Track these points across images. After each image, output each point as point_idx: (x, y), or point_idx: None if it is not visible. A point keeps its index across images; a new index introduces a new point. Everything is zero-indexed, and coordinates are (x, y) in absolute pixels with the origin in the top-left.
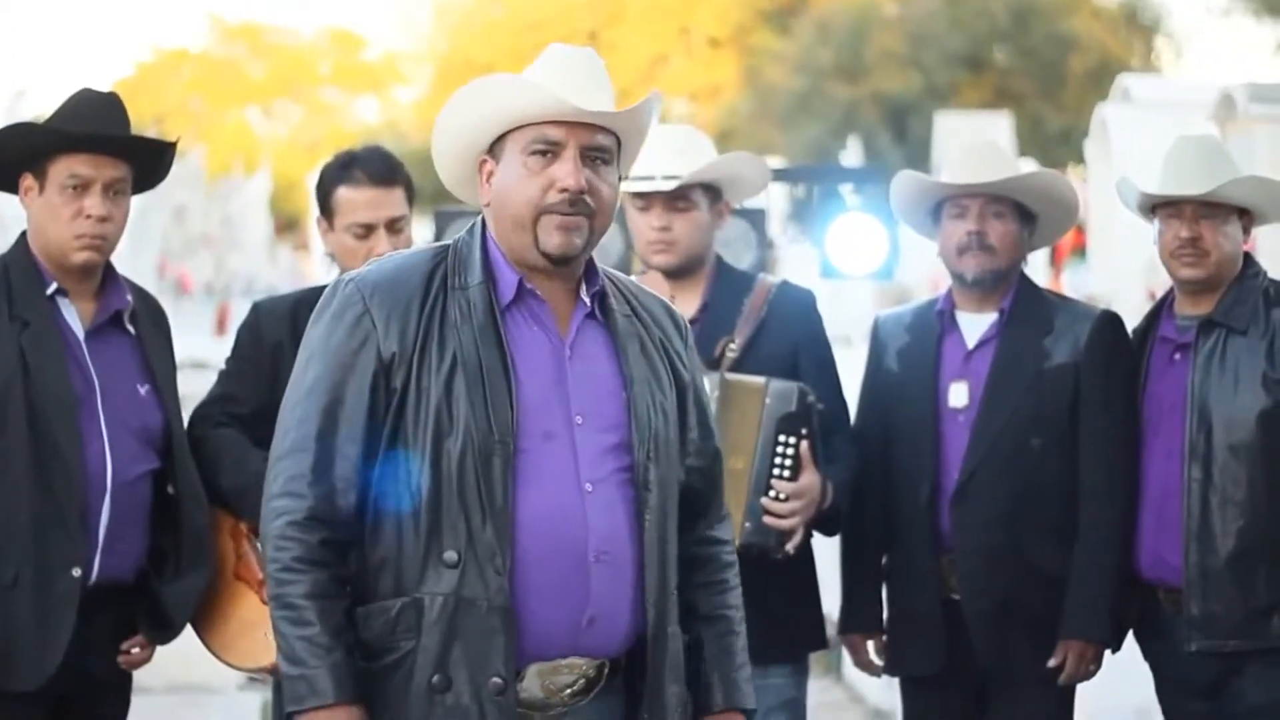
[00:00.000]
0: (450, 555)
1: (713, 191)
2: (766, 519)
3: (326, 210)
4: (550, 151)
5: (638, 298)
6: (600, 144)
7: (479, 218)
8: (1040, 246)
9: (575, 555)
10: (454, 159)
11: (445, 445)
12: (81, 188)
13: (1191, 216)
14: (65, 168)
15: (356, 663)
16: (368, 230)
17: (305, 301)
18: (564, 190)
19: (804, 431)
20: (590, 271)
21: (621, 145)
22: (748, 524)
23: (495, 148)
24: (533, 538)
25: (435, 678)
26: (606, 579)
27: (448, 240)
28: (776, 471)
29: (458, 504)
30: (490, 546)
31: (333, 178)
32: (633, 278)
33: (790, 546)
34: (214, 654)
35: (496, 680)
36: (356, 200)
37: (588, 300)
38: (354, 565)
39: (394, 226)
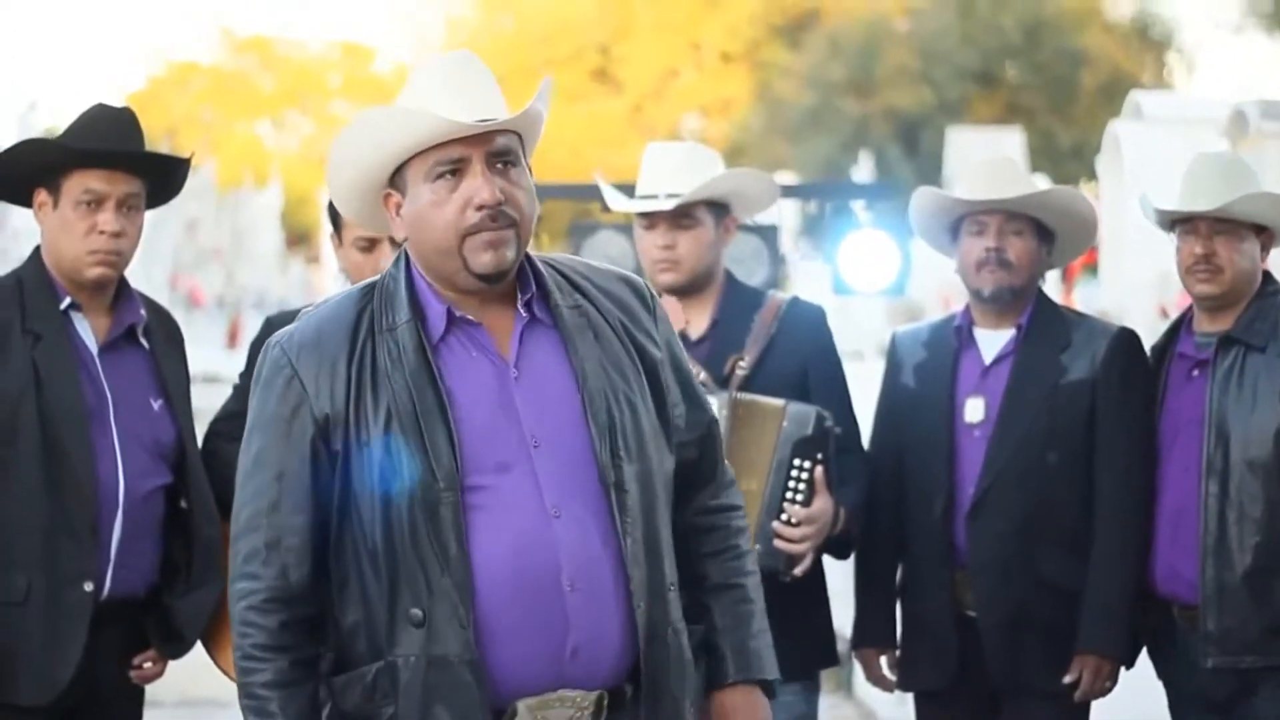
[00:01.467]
0: (415, 613)
1: (718, 208)
2: (777, 542)
3: (336, 225)
4: (456, 170)
5: (591, 280)
6: (504, 147)
7: (402, 251)
8: (1059, 265)
9: (547, 587)
10: (356, 197)
11: (393, 500)
12: (96, 203)
13: (1206, 233)
14: (80, 183)
15: None
16: (371, 243)
17: None
18: (481, 206)
19: (819, 456)
20: (522, 278)
21: (524, 139)
22: (758, 546)
23: (396, 179)
24: (496, 578)
25: None
26: (585, 606)
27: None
28: (789, 495)
29: (414, 559)
30: (451, 599)
31: None
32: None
33: (799, 570)
34: (225, 673)
35: None
36: None
37: (523, 310)
38: (332, 634)
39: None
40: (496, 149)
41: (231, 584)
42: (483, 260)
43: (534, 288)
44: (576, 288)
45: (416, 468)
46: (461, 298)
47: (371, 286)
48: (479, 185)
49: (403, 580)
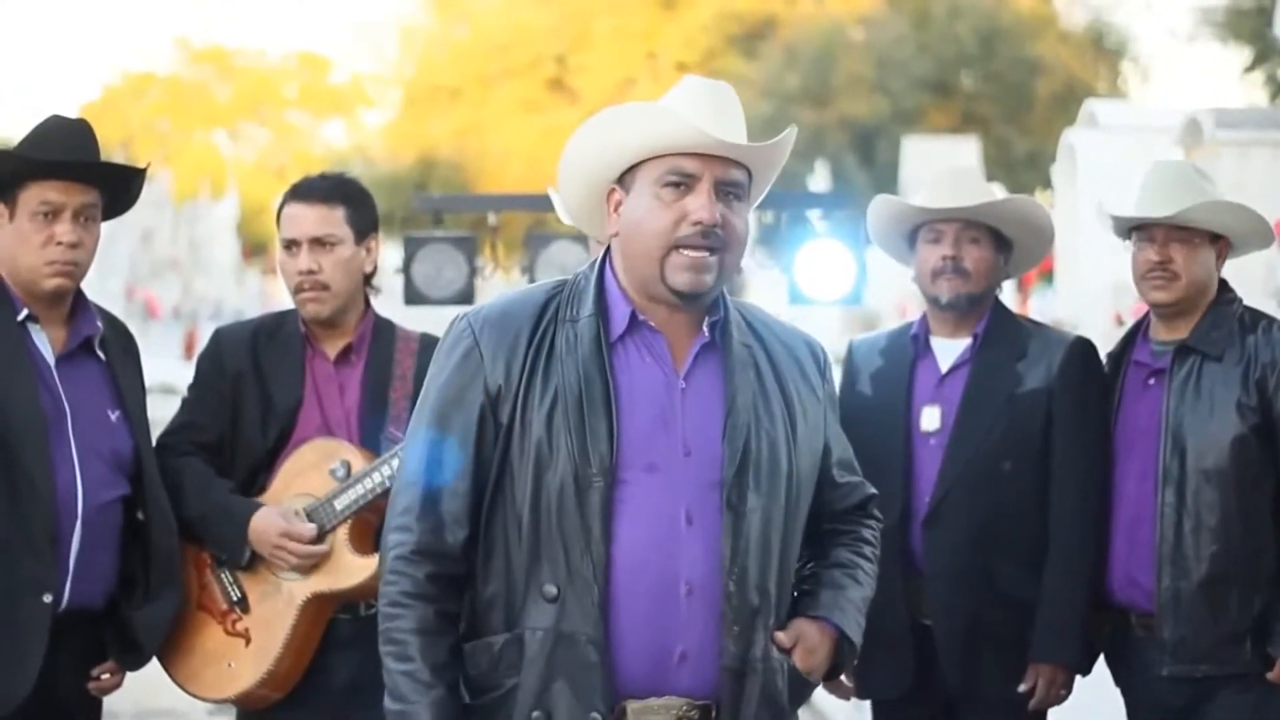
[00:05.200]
0: (550, 589)
1: None
2: None
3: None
4: (684, 183)
5: (772, 330)
6: (734, 178)
7: (603, 251)
8: (1016, 275)
9: (667, 589)
10: (582, 186)
11: (545, 478)
12: (52, 214)
13: (1163, 240)
14: (36, 195)
15: (462, 700)
16: (291, 244)
17: (265, 328)
18: (697, 222)
19: None
20: (713, 304)
21: (752, 179)
22: None
23: (625, 178)
24: (627, 571)
25: (535, 713)
26: (697, 614)
27: (566, 276)
28: None
29: (557, 537)
30: (587, 580)
31: (282, 200)
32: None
33: None
34: (179, 685)
35: (595, 716)
36: (289, 216)
37: (706, 331)
38: (468, 601)
39: (319, 243)
40: (728, 178)
41: (385, 535)
42: (681, 279)
43: (720, 315)
44: (755, 333)
45: (573, 450)
46: (650, 304)
47: (564, 281)
48: (702, 203)
49: (544, 556)
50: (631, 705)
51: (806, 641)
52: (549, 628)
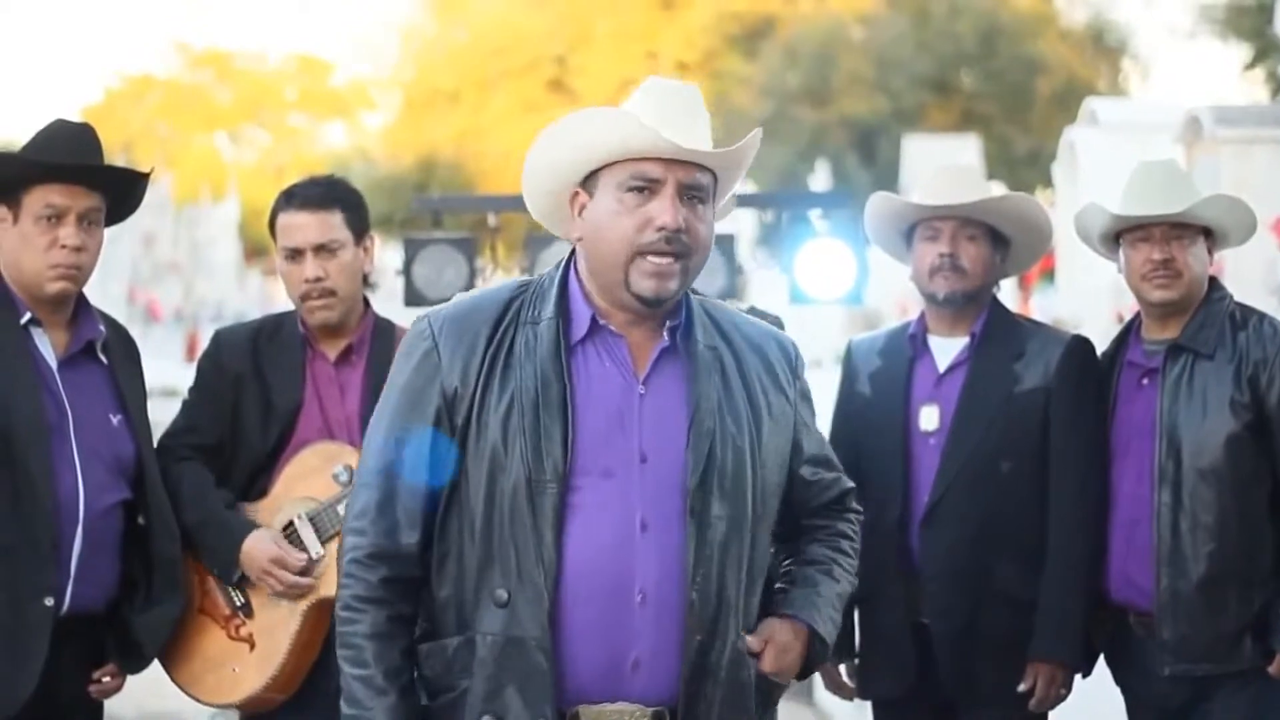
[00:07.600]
0: (500, 594)
1: None
2: None
3: (275, 238)
4: (648, 188)
5: (740, 330)
6: (699, 182)
7: (569, 252)
8: (1014, 273)
9: (620, 596)
10: (545, 188)
11: (499, 482)
12: (56, 218)
13: (1162, 238)
14: (40, 198)
15: (418, 701)
16: (294, 254)
17: (265, 329)
18: (661, 228)
19: None
20: (676, 306)
21: (718, 181)
22: None
23: (589, 180)
24: (579, 577)
25: (485, 718)
26: (652, 620)
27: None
28: None
29: (509, 541)
30: (537, 586)
31: (275, 207)
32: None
33: None
34: (182, 689)
35: None
36: (288, 225)
37: (666, 335)
38: (424, 603)
39: (323, 250)
40: (692, 181)
41: (343, 536)
42: (644, 285)
43: (681, 318)
44: (723, 334)
45: (527, 455)
46: (612, 309)
47: (530, 281)
48: (665, 208)
49: (495, 560)
50: (585, 710)
51: (777, 641)
52: (498, 632)
